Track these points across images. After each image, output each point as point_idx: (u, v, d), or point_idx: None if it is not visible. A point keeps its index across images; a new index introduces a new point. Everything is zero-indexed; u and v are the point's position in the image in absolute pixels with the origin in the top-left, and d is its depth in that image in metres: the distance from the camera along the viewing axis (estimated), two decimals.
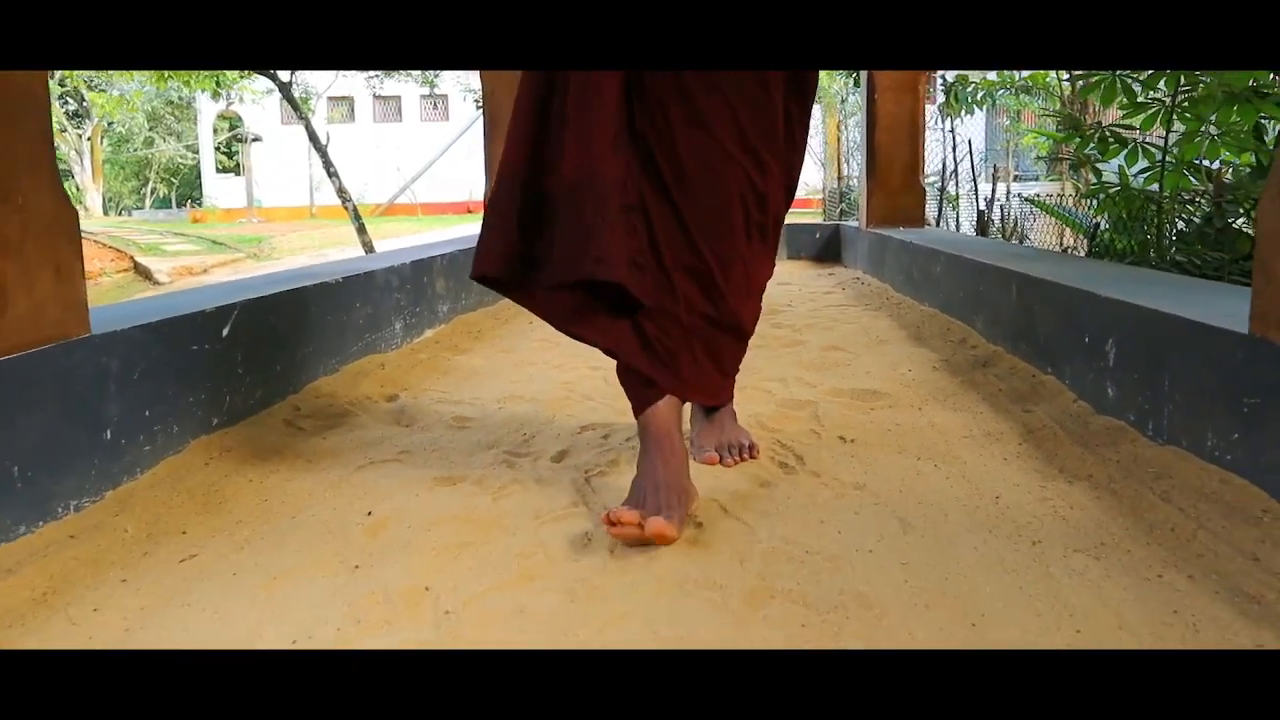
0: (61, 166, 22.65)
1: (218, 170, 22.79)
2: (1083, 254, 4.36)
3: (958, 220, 6.50)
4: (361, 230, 7.78)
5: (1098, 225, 3.95)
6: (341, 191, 7.63)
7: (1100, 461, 1.57)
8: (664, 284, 1.43)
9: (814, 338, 2.95)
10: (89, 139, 24.47)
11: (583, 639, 1.02)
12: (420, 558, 1.24)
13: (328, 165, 7.52)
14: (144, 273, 10.94)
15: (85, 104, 23.51)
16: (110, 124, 25.70)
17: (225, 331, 1.85)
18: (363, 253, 7.59)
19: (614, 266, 1.35)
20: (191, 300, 1.89)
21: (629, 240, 1.39)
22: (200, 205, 21.92)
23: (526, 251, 1.41)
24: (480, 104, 8.41)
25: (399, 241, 11.53)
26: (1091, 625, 1.01)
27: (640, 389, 1.44)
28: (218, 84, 12.56)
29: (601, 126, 1.36)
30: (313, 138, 7.57)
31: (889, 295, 3.94)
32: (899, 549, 1.25)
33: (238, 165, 23.23)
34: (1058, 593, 1.10)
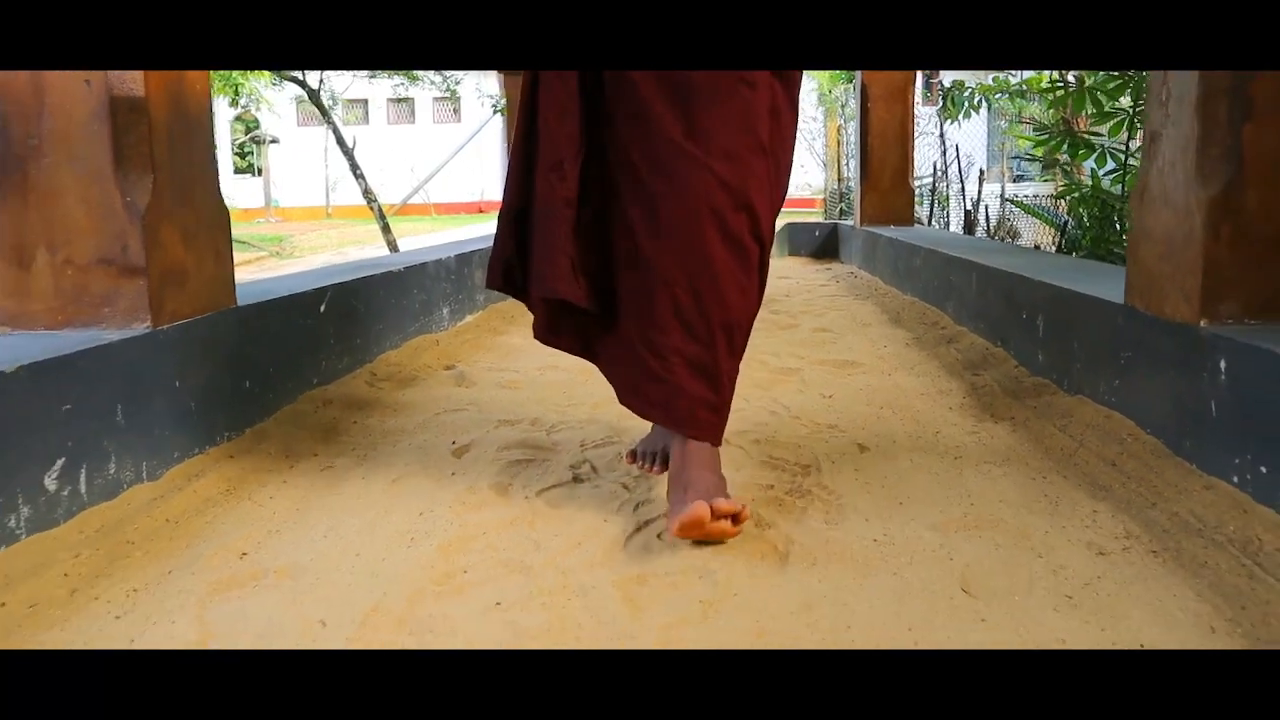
0: None
1: (235, 171, 23.31)
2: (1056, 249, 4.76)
3: (947, 219, 6.91)
4: (386, 229, 8.22)
5: (1066, 223, 4.36)
6: (368, 193, 8.07)
7: (1024, 409, 1.99)
8: (613, 298, 1.44)
9: (806, 322, 3.37)
10: None
11: (623, 514, 1.44)
12: (498, 468, 1.67)
13: (354, 167, 7.97)
14: None
15: None
16: None
17: (322, 309, 2.28)
18: (387, 251, 8.03)
19: (554, 280, 1.40)
20: (295, 283, 2.33)
21: (587, 255, 1.42)
22: None
23: (521, 263, 1.50)
24: (498, 108, 8.82)
25: (416, 240, 11.96)
26: (980, 500, 1.44)
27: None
28: (236, 91, 12.99)
29: (559, 141, 1.40)
30: (340, 142, 8.02)
31: (877, 286, 4.36)
32: (855, 461, 1.67)
33: (251, 166, 23.72)
34: (963, 484, 1.52)
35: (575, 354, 1.57)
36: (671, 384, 1.38)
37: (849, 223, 6.16)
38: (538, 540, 1.34)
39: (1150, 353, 1.64)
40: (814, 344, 2.93)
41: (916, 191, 8.02)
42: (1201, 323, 1.48)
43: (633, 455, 1.66)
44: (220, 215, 1.86)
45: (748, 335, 1.47)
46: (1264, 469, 1.29)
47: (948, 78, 8.60)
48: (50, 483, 1.35)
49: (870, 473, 1.60)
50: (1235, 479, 1.35)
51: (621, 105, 1.39)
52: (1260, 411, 1.31)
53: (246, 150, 24.18)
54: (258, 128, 21.86)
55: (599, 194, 1.43)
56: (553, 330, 1.54)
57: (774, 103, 1.43)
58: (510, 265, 1.51)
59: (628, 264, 1.41)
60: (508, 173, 1.52)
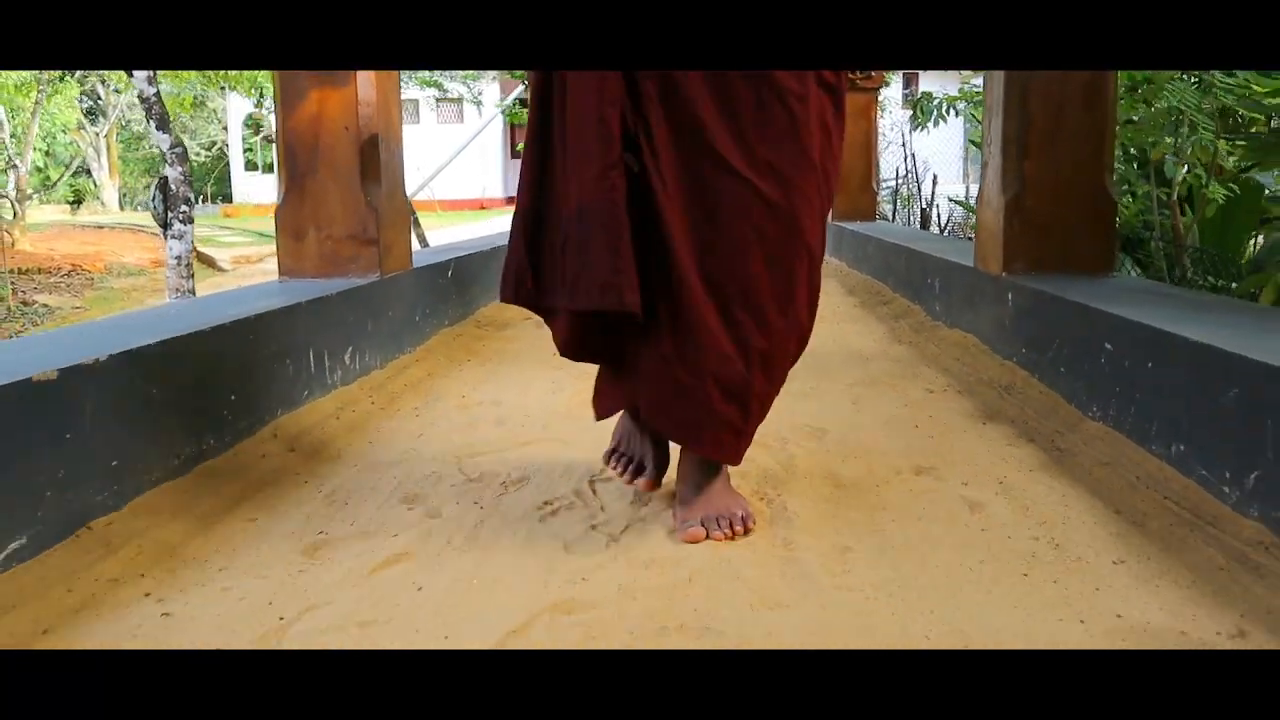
0: (78, 163, 23.26)
1: (245, 167, 24.26)
2: None
3: (909, 217, 8.00)
4: (416, 224, 9.26)
5: None
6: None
7: (918, 338, 3.07)
8: (659, 314, 1.36)
9: None
10: (105, 137, 25.71)
11: None
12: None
13: None
14: (207, 261, 12.39)
15: (101, 103, 24.84)
16: (127, 122, 26.86)
17: (449, 274, 3.33)
18: (416, 244, 9.06)
19: (624, 291, 1.30)
20: (432, 256, 3.39)
21: (636, 263, 1.33)
22: (230, 201, 23.41)
23: (539, 275, 1.42)
24: (505, 110, 9.83)
25: (438, 235, 13.01)
26: (873, 374, 2.51)
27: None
28: (261, 93, 14.01)
29: (601, 148, 1.31)
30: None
31: (842, 269, 5.44)
32: (805, 362, 2.71)
33: (254, 162, 24.66)
34: (866, 370, 2.60)
35: (603, 362, 1.55)
36: (702, 405, 1.36)
37: None
38: None
39: (982, 295, 2.71)
40: None
41: (887, 192, 9.11)
42: (1002, 274, 2.55)
43: (609, 456, 1.65)
44: (405, 208, 2.92)
45: (789, 360, 1.47)
46: (1024, 350, 2.36)
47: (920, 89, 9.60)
48: (345, 359, 2.40)
49: (812, 366, 2.67)
50: (1015, 359, 2.42)
51: (672, 115, 1.34)
52: (1026, 321, 2.38)
53: (249, 147, 25.10)
54: (266, 126, 22.83)
55: (634, 201, 1.35)
56: (583, 346, 1.50)
57: (823, 116, 1.40)
58: (523, 275, 1.43)
59: (666, 279, 1.35)
60: (522, 171, 1.44)
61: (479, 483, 1.70)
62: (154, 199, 6.61)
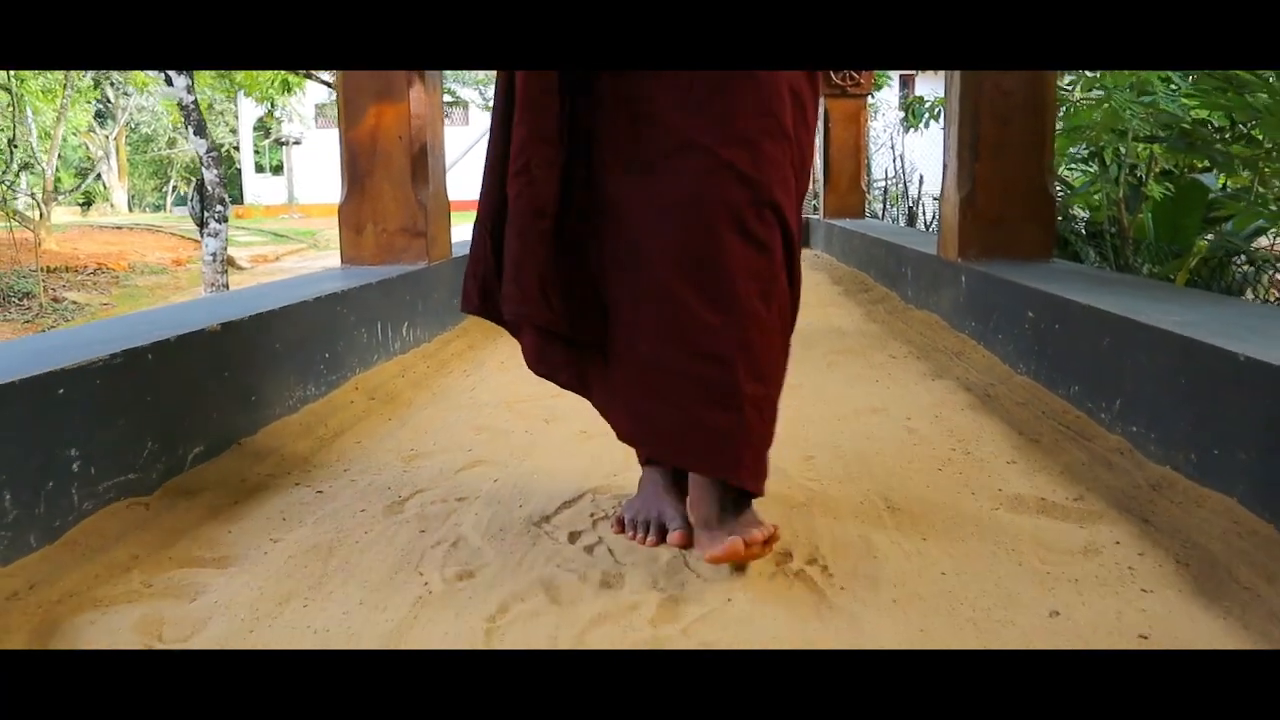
0: (98, 166, 23.70)
1: (255, 169, 24.75)
2: None
3: (897, 215, 8.46)
4: None
5: None
6: None
7: (891, 318, 3.52)
8: (601, 313, 1.29)
9: None
10: (114, 139, 26.09)
11: None
12: None
13: None
14: (227, 260, 12.85)
15: (110, 106, 25.27)
16: (136, 125, 27.25)
17: None
18: None
19: (520, 301, 1.28)
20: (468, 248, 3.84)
21: (570, 271, 1.28)
22: (241, 203, 23.88)
23: (499, 281, 1.37)
24: None
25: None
26: (849, 344, 2.96)
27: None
28: (273, 103, 14.46)
29: (530, 143, 1.26)
30: None
31: (831, 263, 5.90)
32: (795, 339, 3.19)
33: (263, 164, 25.13)
34: (844, 342, 3.05)
35: (569, 388, 1.40)
36: (682, 411, 1.22)
37: (817, 217, 7.68)
38: None
39: (943, 279, 3.17)
40: None
41: (878, 192, 9.56)
42: (959, 260, 3.00)
43: (620, 523, 1.40)
44: (447, 206, 3.38)
45: (779, 356, 1.35)
46: (974, 323, 2.81)
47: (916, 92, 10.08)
48: (403, 331, 2.86)
49: (795, 340, 3.10)
50: (967, 332, 2.87)
51: (612, 95, 1.26)
52: (977, 301, 2.84)
53: (259, 149, 25.56)
54: (276, 128, 23.33)
55: (585, 199, 1.28)
56: (541, 358, 1.37)
57: (794, 84, 1.30)
58: (489, 284, 1.39)
59: (624, 277, 1.27)
60: (482, 180, 1.38)
61: (527, 418, 2.15)
62: (192, 200, 7.08)
